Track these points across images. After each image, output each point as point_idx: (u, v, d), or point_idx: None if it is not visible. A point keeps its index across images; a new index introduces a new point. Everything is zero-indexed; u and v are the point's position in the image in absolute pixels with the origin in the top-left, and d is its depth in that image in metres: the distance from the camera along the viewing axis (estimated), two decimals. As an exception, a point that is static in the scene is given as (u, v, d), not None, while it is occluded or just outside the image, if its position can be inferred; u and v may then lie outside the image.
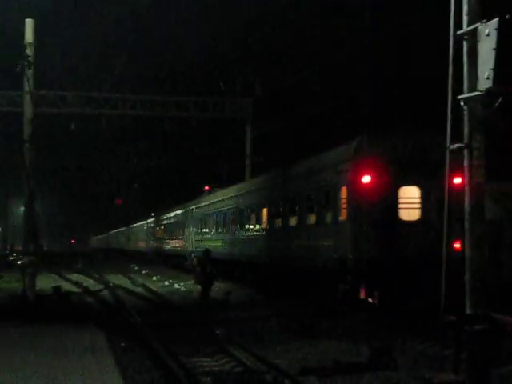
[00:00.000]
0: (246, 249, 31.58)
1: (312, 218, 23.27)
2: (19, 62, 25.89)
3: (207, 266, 23.60)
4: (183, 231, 49.11)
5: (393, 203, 19.45)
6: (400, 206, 19.59)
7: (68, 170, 76.21)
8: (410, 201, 19.66)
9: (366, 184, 19.15)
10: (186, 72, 55.98)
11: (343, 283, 19.93)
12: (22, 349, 14.13)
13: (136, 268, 54.18)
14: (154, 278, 40.79)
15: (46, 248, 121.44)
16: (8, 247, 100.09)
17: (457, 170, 16.94)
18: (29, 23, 26.51)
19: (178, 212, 52.73)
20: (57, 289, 27.72)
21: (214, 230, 38.73)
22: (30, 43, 26.21)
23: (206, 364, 13.82)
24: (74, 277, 42.37)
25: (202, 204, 43.17)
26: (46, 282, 34.47)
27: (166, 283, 36.79)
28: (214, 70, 52.27)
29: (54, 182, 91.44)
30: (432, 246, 18.61)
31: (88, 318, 20.05)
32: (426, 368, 13.11)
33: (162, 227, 60.79)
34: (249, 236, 31.43)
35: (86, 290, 31.67)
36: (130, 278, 40.84)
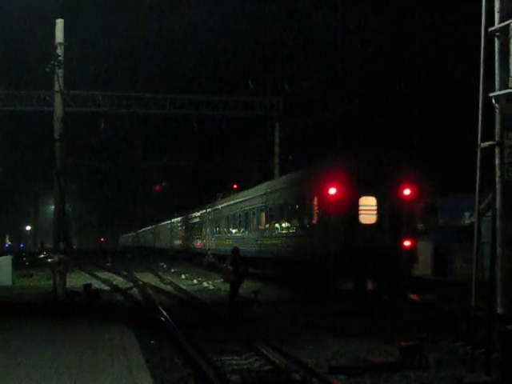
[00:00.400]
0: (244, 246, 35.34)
1: (295, 221, 28.11)
2: (50, 62, 26.11)
3: (239, 264, 23.52)
4: (201, 231, 52.55)
5: (354, 210, 23.77)
6: (360, 212, 23.88)
7: (98, 169, 76.79)
8: (368, 208, 23.91)
9: (332, 195, 23.65)
10: (215, 71, 56.17)
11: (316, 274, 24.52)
12: (53, 347, 14.25)
13: (165, 266, 54.44)
14: (183, 277, 40.92)
15: (75, 246, 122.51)
16: (38, 245, 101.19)
17: (407, 183, 23.08)
18: (59, 23, 26.72)
19: (198, 213, 56.02)
20: (87, 287, 27.94)
21: (225, 230, 43.59)
22: (60, 43, 26.42)
23: (234, 362, 13.84)
24: (104, 275, 42.64)
25: (216, 207, 47.63)
26: (76, 280, 34.78)
27: (195, 281, 36.89)
28: (243, 68, 52.37)
29: (84, 180, 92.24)
30: (385, 243, 23.62)
31: (118, 316, 20.14)
32: (456, 368, 13.01)
33: (185, 227, 64.19)
34: (244, 235, 37.20)
35: (116, 288, 31.84)
36: (158, 277, 41.02)
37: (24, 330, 17.06)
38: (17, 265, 40.20)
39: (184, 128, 51.87)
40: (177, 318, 19.35)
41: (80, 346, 14.16)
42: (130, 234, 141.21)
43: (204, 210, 52.55)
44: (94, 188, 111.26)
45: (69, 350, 13.64)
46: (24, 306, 23.98)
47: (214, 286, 33.54)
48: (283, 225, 29.72)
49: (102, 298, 26.42)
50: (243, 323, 18.30)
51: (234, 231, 40.66)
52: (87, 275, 42.16)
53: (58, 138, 26.64)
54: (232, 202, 41.80)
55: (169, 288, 32.69)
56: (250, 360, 14.10)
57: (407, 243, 23.73)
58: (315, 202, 25.09)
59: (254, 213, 35.64)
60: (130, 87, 49.21)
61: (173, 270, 47.80)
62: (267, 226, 32.64)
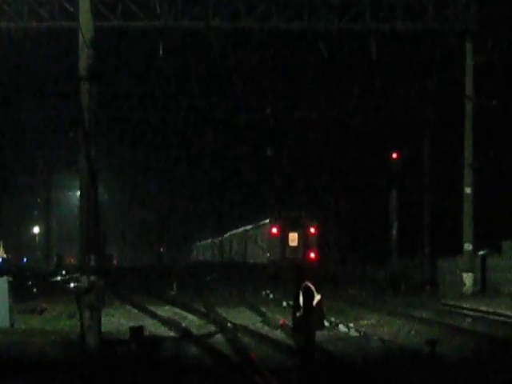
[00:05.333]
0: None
1: (259, 244, 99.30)
2: None
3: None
4: None
5: (285, 238, 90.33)
6: (289, 239, 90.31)
7: (147, 121, 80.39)
8: (292, 238, 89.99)
9: (274, 232, 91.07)
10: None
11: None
12: None
13: (270, 295, 54.56)
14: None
15: (116, 261, 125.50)
16: (54, 260, 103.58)
17: (310, 225, 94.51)
18: None
19: None
20: (136, 332, 28.07)
21: None
22: None
23: None
24: (166, 311, 43.15)
25: None
26: (118, 320, 35.18)
27: (325, 323, 36.54)
28: None
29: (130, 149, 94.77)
30: (300, 254, 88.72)
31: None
32: None
33: None
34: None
35: (187, 334, 32.00)
36: (260, 314, 41.13)
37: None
38: (18, 293, 41.00)
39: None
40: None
41: None
42: (206, 242, 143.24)
43: None
44: (147, 162, 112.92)
45: None
46: (30, 364, 24.29)
47: (358, 331, 33.24)
48: (251, 246, 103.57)
49: (163, 352, 26.57)
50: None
51: None
52: (136, 311, 42.89)
53: (84, 73, 26.80)
54: None
55: (279, 335, 32.60)
56: None
57: (312, 254, 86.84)
58: (268, 235, 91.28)
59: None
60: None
61: (285, 304, 47.67)
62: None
